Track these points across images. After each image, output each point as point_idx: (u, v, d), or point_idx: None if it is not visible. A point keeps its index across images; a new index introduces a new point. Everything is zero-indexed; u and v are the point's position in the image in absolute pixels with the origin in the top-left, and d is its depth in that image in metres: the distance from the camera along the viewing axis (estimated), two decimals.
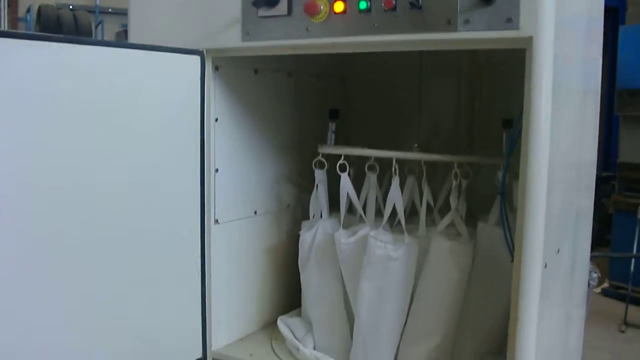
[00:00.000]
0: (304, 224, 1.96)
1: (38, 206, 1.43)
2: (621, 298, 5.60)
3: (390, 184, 1.81)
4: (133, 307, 1.67)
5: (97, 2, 8.10)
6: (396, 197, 1.79)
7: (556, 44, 1.38)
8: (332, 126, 1.96)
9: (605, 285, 6.03)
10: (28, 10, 8.05)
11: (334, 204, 1.92)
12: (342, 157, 1.85)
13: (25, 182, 1.41)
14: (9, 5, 8.03)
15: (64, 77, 1.47)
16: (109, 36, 7.93)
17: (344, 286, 1.90)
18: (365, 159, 1.86)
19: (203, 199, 1.82)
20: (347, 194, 1.86)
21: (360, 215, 1.90)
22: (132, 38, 1.91)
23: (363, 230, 1.82)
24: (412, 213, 1.91)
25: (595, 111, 2.03)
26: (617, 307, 5.51)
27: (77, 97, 1.50)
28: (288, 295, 2.18)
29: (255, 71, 1.99)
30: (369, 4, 1.52)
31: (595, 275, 2.34)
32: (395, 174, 1.79)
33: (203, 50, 1.77)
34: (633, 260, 5.49)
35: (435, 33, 1.46)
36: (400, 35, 1.50)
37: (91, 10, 8.14)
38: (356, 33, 1.55)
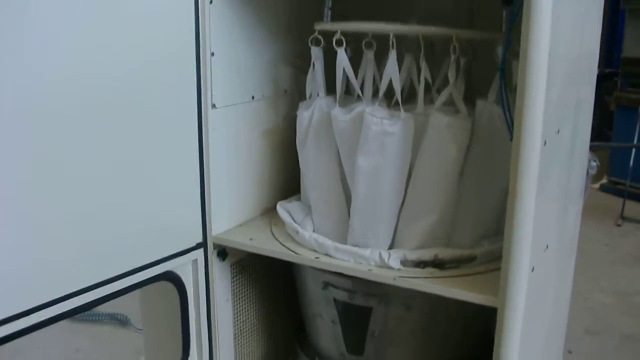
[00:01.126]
0: (301, 104, 1.94)
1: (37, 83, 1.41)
2: (619, 194, 5.67)
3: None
4: (133, 192, 1.68)
5: None
6: (392, 71, 1.75)
7: None
8: (328, 2, 1.91)
9: (604, 181, 6.09)
10: None
11: (331, 85, 1.88)
12: (339, 33, 1.81)
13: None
14: None
15: None
16: None
17: (341, 166, 1.90)
18: (362, 37, 1.82)
19: (199, 83, 1.79)
20: (344, 70, 1.82)
21: (358, 95, 1.87)
22: None
23: (359, 107, 1.80)
24: (410, 95, 1.89)
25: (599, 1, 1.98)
26: (614, 202, 5.58)
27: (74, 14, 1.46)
28: (287, 181, 2.19)
29: None
30: None
31: (594, 164, 2.33)
32: (393, 48, 1.74)
33: None
34: (632, 155, 5.51)
35: None
36: None
37: None
38: None
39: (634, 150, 5.55)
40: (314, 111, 1.89)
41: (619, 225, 5.25)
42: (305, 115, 1.91)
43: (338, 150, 1.87)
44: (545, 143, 1.44)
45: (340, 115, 1.82)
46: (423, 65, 1.77)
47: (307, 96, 1.94)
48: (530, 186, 1.44)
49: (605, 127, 6.45)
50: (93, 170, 1.57)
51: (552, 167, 1.62)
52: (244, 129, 2.01)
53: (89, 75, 1.52)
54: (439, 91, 1.83)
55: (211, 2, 1.79)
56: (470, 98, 1.81)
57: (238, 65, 1.94)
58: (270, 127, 2.12)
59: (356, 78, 1.85)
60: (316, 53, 1.87)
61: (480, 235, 1.83)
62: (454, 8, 2.18)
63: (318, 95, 1.91)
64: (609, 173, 6.04)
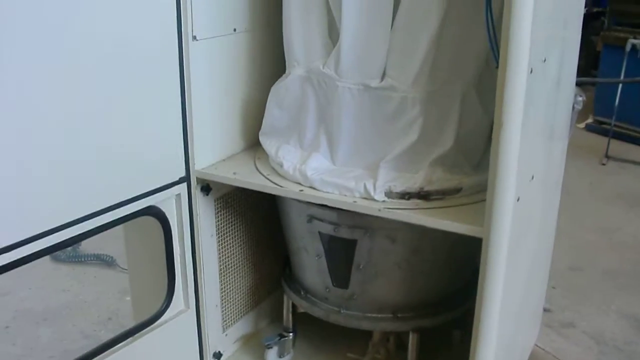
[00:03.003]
0: None
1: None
2: (604, 133, 5.68)
3: None
4: (114, 126, 1.65)
5: None
6: None
7: None
8: None
9: (589, 120, 6.09)
10: None
11: None
12: None
13: None
14: None
15: None
16: None
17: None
18: None
19: (179, 14, 1.75)
20: None
21: None
22: None
23: None
24: None
25: None
26: (599, 142, 5.60)
27: None
28: None
29: None
30: None
31: (580, 98, 2.32)
32: None
33: None
34: (618, 95, 5.50)
35: None
36: None
37: None
38: None
39: (619, 89, 5.54)
40: None
41: (603, 164, 5.28)
42: None
43: None
44: (531, 71, 1.42)
45: None
46: None
47: None
48: (516, 115, 1.42)
49: (591, 67, 6.43)
50: (73, 104, 1.54)
51: (539, 97, 1.60)
52: (226, 61, 1.98)
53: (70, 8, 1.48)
54: None
55: None
56: None
57: None
58: (253, 60, 2.07)
59: None
60: None
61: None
62: None
63: None
64: (594, 112, 6.04)
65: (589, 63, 6.44)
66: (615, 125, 5.55)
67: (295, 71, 1.91)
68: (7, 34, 1.37)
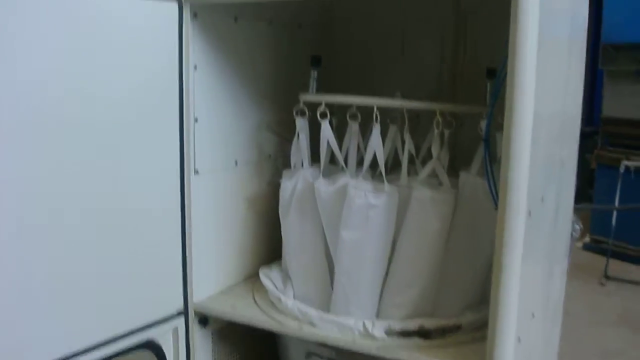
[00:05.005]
0: (285, 173, 1.94)
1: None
2: (602, 252, 5.66)
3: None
4: (114, 258, 1.65)
5: None
6: (376, 145, 1.76)
7: None
8: (314, 74, 1.92)
9: (586, 239, 6.09)
10: None
11: (316, 155, 1.89)
12: (323, 105, 1.81)
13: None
14: None
15: (35, 21, 1.42)
16: None
17: (324, 236, 1.88)
18: (347, 108, 1.83)
19: (182, 149, 1.79)
20: (328, 142, 1.83)
21: (342, 165, 1.87)
22: None
23: (343, 179, 1.80)
24: (395, 165, 1.89)
25: (581, 63, 2.00)
26: (597, 261, 5.57)
27: (51, 46, 1.45)
28: (270, 247, 2.16)
29: (235, 19, 1.93)
30: None
31: (577, 227, 2.33)
32: (376, 121, 1.75)
33: None
34: (614, 214, 5.53)
35: None
36: None
37: None
38: None
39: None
40: (298, 181, 1.88)
41: (602, 285, 5.23)
42: (289, 185, 1.90)
43: (321, 221, 1.86)
44: (529, 214, 1.43)
45: (324, 187, 1.81)
46: (407, 138, 1.78)
47: (292, 166, 1.93)
48: (515, 258, 1.43)
49: (587, 185, 6.49)
50: (72, 234, 1.54)
51: (537, 236, 1.61)
52: (227, 194, 2.00)
53: (70, 137, 1.51)
54: (423, 162, 1.83)
55: (195, 67, 1.80)
56: (453, 168, 1.82)
57: (221, 130, 1.94)
58: (254, 193, 2.10)
59: (340, 148, 1.85)
60: (301, 124, 1.88)
61: (465, 304, 1.81)
62: (437, 80, 2.20)
63: (302, 166, 1.91)
64: (591, 231, 6.06)
65: (585, 181, 6.51)
66: (613, 244, 5.54)
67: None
68: None
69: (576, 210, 2.28)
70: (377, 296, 1.82)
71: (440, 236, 1.75)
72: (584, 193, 6.41)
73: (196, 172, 1.84)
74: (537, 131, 1.41)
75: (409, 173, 1.82)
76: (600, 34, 5.82)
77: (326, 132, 1.82)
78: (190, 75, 1.78)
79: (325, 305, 1.85)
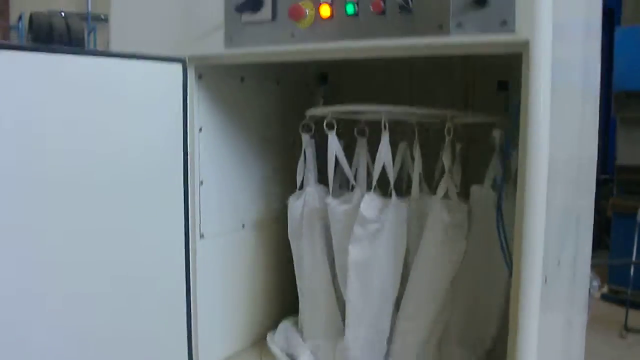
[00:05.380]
0: (292, 195, 1.91)
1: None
2: (620, 302, 5.53)
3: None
4: (116, 325, 1.60)
5: (89, 9, 8.01)
6: (386, 158, 1.72)
7: (554, 46, 1.31)
8: (321, 91, 1.89)
9: (604, 290, 5.96)
10: (20, 18, 7.97)
11: (323, 174, 1.87)
12: (330, 115, 1.78)
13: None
14: (0, 14, 7.96)
15: (38, 87, 1.41)
16: (102, 43, 7.85)
17: (332, 258, 1.86)
18: (354, 125, 1.83)
19: (187, 212, 1.75)
20: (336, 157, 1.79)
21: (349, 183, 1.85)
22: (114, 46, 1.84)
23: (356, 197, 1.78)
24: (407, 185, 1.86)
25: (595, 111, 1.98)
26: (616, 312, 5.44)
27: (54, 108, 1.43)
28: (279, 309, 2.11)
29: (242, 79, 1.92)
30: (356, 8, 1.45)
31: (595, 284, 2.28)
32: (385, 129, 1.71)
33: (185, 58, 1.69)
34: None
35: (427, 37, 1.38)
36: (389, 40, 1.43)
37: (84, 17, 8.06)
38: (344, 38, 1.48)
39: (633, 257, 5.47)
40: (306, 200, 1.86)
41: (623, 337, 5.10)
42: (298, 205, 1.87)
43: (330, 241, 1.85)
44: (545, 280, 1.37)
45: (338, 206, 1.80)
46: (417, 152, 1.75)
47: (298, 185, 1.90)
48: (531, 324, 1.36)
49: (603, 233, 6.40)
50: (71, 301, 1.49)
51: (554, 297, 1.55)
52: (234, 257, 1.95)
53: (74, 203, 1.47)
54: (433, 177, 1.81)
55: (200, 129, 1.77)
56: (464, 182, 1.78)
57: (228, 192, 1.90)
58: (262, 255, 2.05)
59: (350, 166, 1.83)
60: (307, 140, 1.85)
61: (482, 332, 1.77)
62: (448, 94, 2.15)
63: (308, 184, 1.88)
64: (609, 281, 5.94)
65: (601, 229, 6.42)
66: (632, 294, 5.42)
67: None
68: None
69: (593, 265, 2.23)
70: (390, 317, 1.78)
71: (457, 257, 1.71)
72: (600, 241, 6.32)
73: (202, 236, 1.80)
74: (553, 186, 1.36)
75: (420, 189, 1.79)
76: (612, 82, 5.79)
77: (333, 143, 1.78)
78: (195, 138, 1.75)
79: (334, 325, 1.86)
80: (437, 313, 1.74)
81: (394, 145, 1.75)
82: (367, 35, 1.45)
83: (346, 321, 1.80)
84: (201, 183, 1.78)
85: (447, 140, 1.69)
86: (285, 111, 2.09)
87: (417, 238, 1.75)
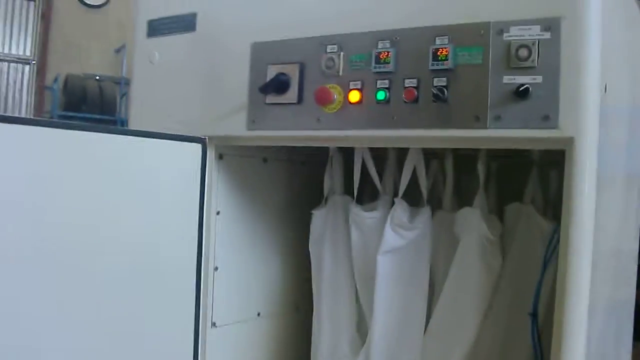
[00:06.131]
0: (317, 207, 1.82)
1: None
2: None
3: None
4: None
5: (124, 74, 8.11)
6: (417, 161, 1.63)
7: (600, 139, 1.21)
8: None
9: None
10: (55, 80, 8.09)
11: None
12: None
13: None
14: (37, 73, 8.10)
15: (52, 162, 1.34)
16: None
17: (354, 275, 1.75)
18: None
19: (198, 300, 1.63)
20: (363, 164, 1.70)
21: (374, 196, 1.76)
22: (133, 123, 1.76)
23: (382, 204, 1.69)
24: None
25: (638, 199, 1.86)
26: None
27: (70, 184, 1.36)
28: None
29: (265, 160, 1.83)
30: (387, 94, 1.36)
31: None
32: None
33: (205, 138, 1.61)
34: None
35: (462, 130, 1.28)
36: (422, 131, 1.33)
37: (117, 82, 8.16)
38: (373, 126, 1.38)
39: None
40: (330, 210, 1.77)
41: None
42: (322, 214, 1.78)
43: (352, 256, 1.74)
44: None
45: (367, 214, 1.69)
46: (449, 164, 1.67)
47: (325, 197, 1.82)
48: None
49: None
50: None
51: None
52: (248, 349, 1.83)
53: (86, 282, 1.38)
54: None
55: (218, 213, 1.68)
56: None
57: (244, 279, 1.79)
58: (278, 347, 1.92)
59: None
60: (333, 149, 1.78)
61: None
62: None
63: (334, 193, 1.80)
64: None
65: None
66: None
67: None
68: None
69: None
70: (418, 337, 1.64)
71: (493, 277, 1.58)
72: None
73: (213, 324, 1.69)
74: (594, 281, 1.24)
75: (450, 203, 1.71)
76: None
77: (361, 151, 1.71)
78: (211, 221, 1.66)
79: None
80: (469, 336, 1.57)
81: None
82: (397, 125, 1.35)
83: (370, 338, 1.66)
84: (216, 269, 1.68)
85: (481, 151, 1.59)
86: (310, 192, 1.99)
87: (446, 254, 1.63)
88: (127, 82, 7.86)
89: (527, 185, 1.61)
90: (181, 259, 1.60)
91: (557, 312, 1.22)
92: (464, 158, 1.68)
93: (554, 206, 1.60)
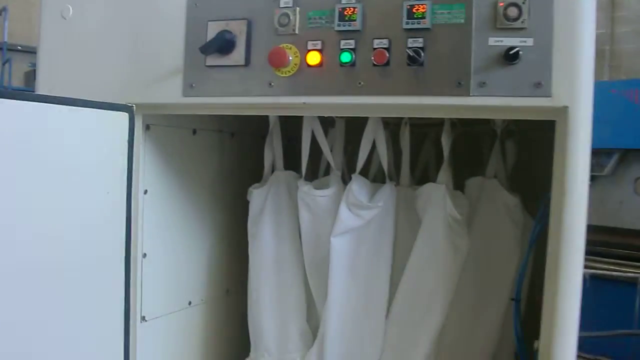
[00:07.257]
0: (255, 185, 1.66)
1: None
2: None
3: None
4: None
5: (5, 39, 7.52)
6: (377, 135, 1.49)
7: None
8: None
9: None
10: None
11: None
12: None
13: None
14: None
15: None
16: (17, 75, 7.38)
17: (302, 256, 1.60)
18: None
19: (127, 291, 1.43)
20: (312, 133, 1.56)
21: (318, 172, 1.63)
22: (41, 87, 1.50)
23: (334, 181, 1.55)
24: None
25: None
26: None
27: None
28: None
29: (194, 131, 1.63)
30: (353, 56, 1.19)
31: None
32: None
33: (133, 106, 1.39)
34: None
35: (441, 97, 1.14)
36: (394, 98, 1.18)
37: None
38: (335, 92, 1.21)
39: None
40: (271, 187, 1.62)
41: None
42: (261, 193, 1.62)
43: (298, 236, 1.60)
44: None
45: (319, 192, 1.54)
46: (405, 138, 1.54)
47: (266, 169, 1.66)
48: None
49: None
50: None
51: None
52: (180, 340, 1.67)
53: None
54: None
55: (146, 192, 1.48)
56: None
57: (173, 265, 1.63)
58: (211, 336, 1.76)
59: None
60: (274, 120, 1.62)
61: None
62: None
63: (275, 169, 1.65)
64: None
65: None
66: None
67: None
68: None
69: None
70: (379, 323, 1.52)
71: (460, 257, 1.46)
72: None
73: (143, 318, 1.51)
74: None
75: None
76: None
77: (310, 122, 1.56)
78: (139, 202, 1.47)
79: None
80: (436, 321, 1.47)
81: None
82: (365, 91, 1.19)
83: (324, 329, 1.53)
84: (144, 256, 1.49)
85: (446, 121, 1.47)
86: (241, 167, 1.81)
87: (405, 234, 1.52)
88: (10, 48, 7.32)
89: (490, 157, 1.50)
90: (106, 246, 1.40)
91: (549, 285, 1.13)
92: (415, 128, 1.55)
93: (511, 179, 1.50)
